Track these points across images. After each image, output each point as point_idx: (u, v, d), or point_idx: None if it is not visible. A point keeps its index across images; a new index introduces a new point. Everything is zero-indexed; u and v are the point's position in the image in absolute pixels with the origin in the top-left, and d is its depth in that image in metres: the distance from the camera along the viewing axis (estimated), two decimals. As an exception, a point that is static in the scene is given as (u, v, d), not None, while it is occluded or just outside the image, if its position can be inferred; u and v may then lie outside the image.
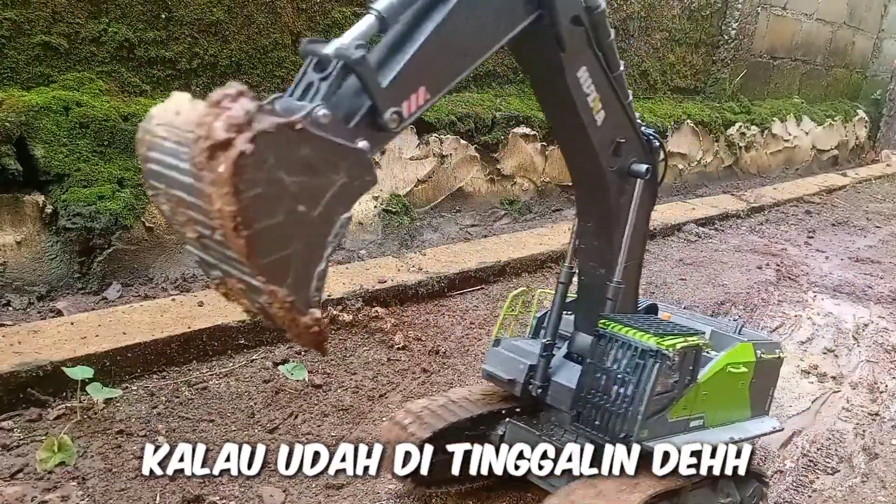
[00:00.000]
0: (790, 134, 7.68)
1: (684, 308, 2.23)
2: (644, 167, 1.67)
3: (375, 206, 3.81)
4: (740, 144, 6.83)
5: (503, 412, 1.89)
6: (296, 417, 2.24)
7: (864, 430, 2.56)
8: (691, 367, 1.65)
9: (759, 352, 1.88)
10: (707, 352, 1.78)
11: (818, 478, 2.25)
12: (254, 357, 2.57)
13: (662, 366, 1.55)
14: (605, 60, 1.55)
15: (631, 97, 1.66)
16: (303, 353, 2.65)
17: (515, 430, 1.86)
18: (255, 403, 2.30)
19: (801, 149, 7.97)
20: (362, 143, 1.10)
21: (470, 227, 4.31)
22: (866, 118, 9.30)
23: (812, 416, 2.64)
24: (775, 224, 5.49)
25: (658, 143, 1.74)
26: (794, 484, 2.21)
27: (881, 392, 2.86)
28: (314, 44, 1.11)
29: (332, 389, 2.43)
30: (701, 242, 4.70)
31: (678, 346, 1.57)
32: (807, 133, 8.00)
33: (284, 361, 2.54)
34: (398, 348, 2.74)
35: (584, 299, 1.83)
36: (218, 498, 1.85)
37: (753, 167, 7.18)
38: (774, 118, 7.33)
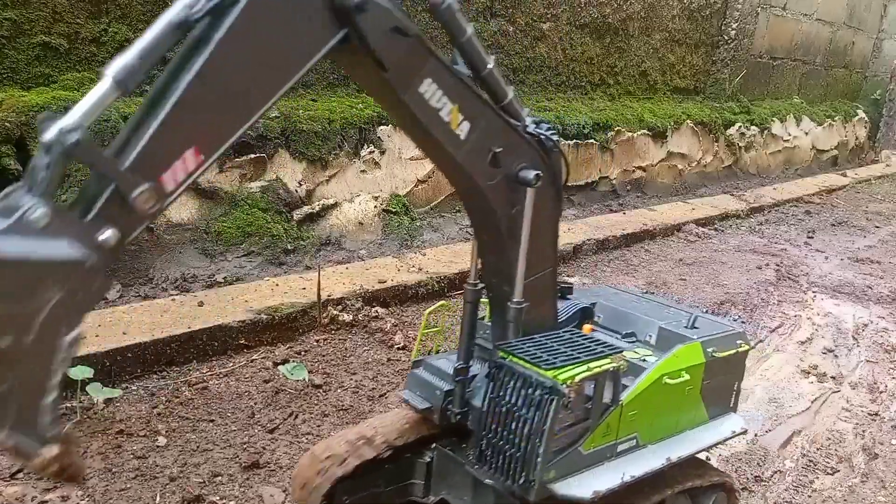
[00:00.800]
0: (790, 134, 7.68)
1: (645, 293, 2.05)
2: (533, 174, 1.44)
3: (375, 207, 3.81)
4: (740, 145, 6.83)
5: (433, 437, 1.69)
6: (296, 417, 2.24)
7: (863, 430, 2.56)
8: (610, 391, 1.47)
9: (709, 350, 1.70)
10: (643, 359, 1.65)
11: (818, 478, 2.26)
12: (254, 357, 2.57)
13: (559, 403, 1.37)
14: (468, 61, 1.37)
15: (511, 94, 1.45)
16: (303, 353, 2.65)
17: (443, 458, 1.68)
18: (255, 403, 2.30)
19: (800, 149, 7.97)
20: (107, 234, 0.97)
21: (470, 227, 4.31)
22: (866, 118, 9.30)
23: (812, 416, 2.64)
24: (775, 224, 5.49)
25: (553, 142, 1.51)
26: (794, 484, 2.21)
27: (881, 392, 2.86)
28: (49, 120, 0.94)
29: (331, 389, 2.43)
30: (701, 242, 4.70)
31: (578, 379, 1.38)
32: (806, 133, 8.00)
33: (284, 361, 2.54)
34: (398, 348, 2.75)
35: (495, 317, 1.64)
36: (218, 498, 1.85)
37: (753, 167, 7.19)
38: (774, 118, 7.34)
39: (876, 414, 2.69)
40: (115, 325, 2.44)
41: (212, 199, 3.19)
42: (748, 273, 4.12)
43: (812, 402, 2.73)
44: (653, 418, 1.62)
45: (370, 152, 3.76)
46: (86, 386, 2.12)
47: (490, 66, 1.40)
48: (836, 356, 3.17)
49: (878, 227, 5.77)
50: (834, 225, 5.66)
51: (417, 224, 4.02)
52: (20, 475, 1.85)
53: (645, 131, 5.59)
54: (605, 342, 1.54)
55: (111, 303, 2.75)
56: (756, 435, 2.46)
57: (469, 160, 1.39)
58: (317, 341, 2.73)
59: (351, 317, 2.87)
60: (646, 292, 2.02)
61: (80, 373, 2.11)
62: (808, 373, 2.97)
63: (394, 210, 3.88)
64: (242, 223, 3.24)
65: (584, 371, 1.41)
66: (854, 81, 9.28)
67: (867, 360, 3.15)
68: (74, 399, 2.13)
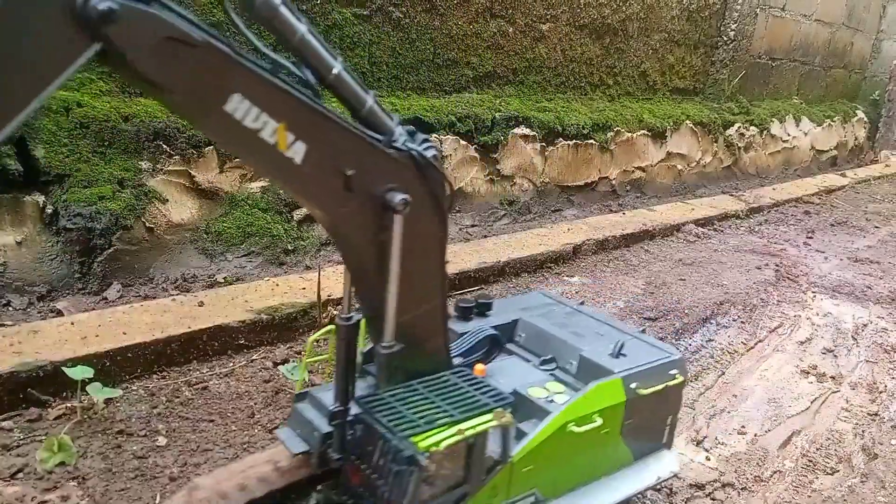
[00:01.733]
0: (789, 134, 7.69)
1: (581, 305, 1.84)
2: (399, 198, 1.19)
3: (375, 207, 3.81)
4: (739, 145, 6.84)
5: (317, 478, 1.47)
6: (296, 417, 2.25)
7: (863, 431, 2.56)
8: (497, 447, 1.28)
9: (632, 386, 1.49)
10: (551, 398, 1.44)
11: (818, 478, 2.26)
12: (254, 357, 2.57)
13: (419, 476, 1.17)
14: (306, 63, 1.13)
15: (371, 102, 1.22)
16: (303, 353, 2.65)
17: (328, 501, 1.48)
18: (256, 403, 2.30)
19: (800, 149, 7.98)
20: None
21: (469, 228, 4.31)
22: (865, 119, 9.31)
23: (811, 416, 2.64)
24: (774, 224, 5.49)
25: (428, 159, 1.24)
26: (794, 484, 2.21)
27: (880, 392, 2.87)
28: None
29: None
30: (700, 243, 4.71)
31: (443, 446, 1.17)
32: (806, 134, 8.01)
33: (284, 361, 2.54)
34: (398, 348, 2.74)
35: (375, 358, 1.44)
36: (218, 498, 1.85)
37: (752, 168, 7.19)
38: (773, 119, 7.35)
39: (875, 414, 2.69)
40: (115, 325, 2.44)
41: (212, 199, 3.20)
42: (747, 273, 4.13)
43: (812, 403, 2.73)
44: (557, 470, 1.42)
45: (370, 152, 3.75)
46: (86, 386, 2.12)
47: (336, 70, 1.17)
48: (835, 356, 3.18)
49: (877, 227, 5.77)
50: (833, 225, 5.67)
51: (417, 224, 4.02)
52: (20, 475, 1.85)
53: (644, 132, 5.59)
54: (493, 390, 1.32)
55: (111, 303, 2.75)
56: (756, 435, 2.46)
57: (312, 187, 1.15)
58: (316, 342, 2.73)
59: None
60: (581, 303, 1.82)
61: (80, 373, 2.11)
62: (808, 373, 2.98)
63: (393, 210, 3.88)
64: (242, 223, 3.24)
65: (451, 435, 1.19)
66: (853, 82, 9.29)
67: (867, 361, 3.16)
68: (74, 399, 2.13)
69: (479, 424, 1.23)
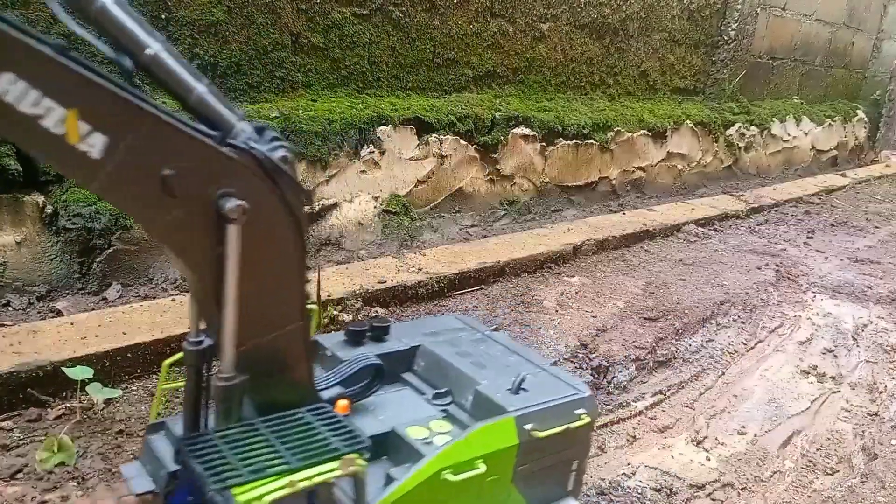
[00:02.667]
0: (789, 134, 7.68)
1: (495, 331, 1.68)
2: (233, 204, 1.01)
3: (375, 207, 3.81)
4: (740, 145, 6.83)
5: None
6: (296, 417, 2.24)
7: (863, 431, 2.56)
8: (353, 499, 1.10)
9: (526, 427, 1.30)
10: (430, 440, 1.28)
11: (817, 478, 2.26)
12: (254, 357, 2.57)
13: None
14: (113, 41, 0.99)
15: (203, 88, 1.04)
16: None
17: None
18: (255, 403, 2.29)
19: (800, 149, 7.97)
20: None
21: (469, 228, 4.31)
22: (866, 119, 9.31)
23: (811, 416, 2.64)
24: (775, 224, 5.49)
25: (274, 161, 1.06)
26: (794, 484, 2.21)
27: (880, 392, 2.87)
28: None
29: (331, 389, 2.43)
30: (700, 243, 4.70)
31: (268, 500, 0.99)
32: (806, 133, 8.01)
33: (284, 361, 2.54)
34: (398, 348, 2.75)
35: None
36: (218, 498, 1.85)
37: (753, 168, 7.19)
38: (774, 119, 7.34)
39: (875, 414, 2.69)
40: (114, 325, 2.44)
41: (212, 199, 3.19)
42: (748, 273, 4.12)
43: (812, 403, 2.73)
44: None
45: (370, 152, 3.76)
46: (86, 386, 2.12)
47: (152, 50, 1.01)
48: (835, 356, 3.17)
49: (877, 227, 5.77)
50: (833, 225, 5.66)
51: (417, 224, 4.02)
52: (20, 475, 1.85)
53: (644, 132, 5.59)
54: (350, 432, 1.12)
55: (111, 303, 2.75)
56: (756, 435, 2.46)
57: (120, 188, 0.98)
58: (316, 342, 2.73)
59: (351, 317, 2.88)
60: (495, 329, 1.66)
61: (80, 373, 2.11)
62: (808, 373, 2.97)
63: (393, 210, 3.88)
64: (242, 223, 3.24)
65: (280, 488, 1.01)
66: (854, 82, 9.28)
67: (867, 361, 3.15)
68: (74, 399, 2.13)
69: (319, 474, 1.03)
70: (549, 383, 1.43)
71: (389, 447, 1.30)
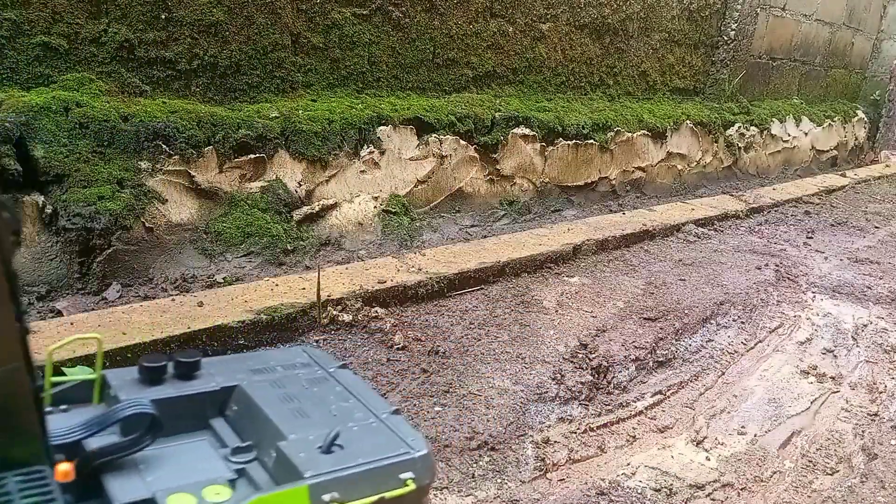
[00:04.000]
0: (789, 134, 7.69)
1: (342, 368, 1.43)
2: None
3: (375, 207, 3.81)
4: (739, 145, 6.84)
5: None
6: (295, 418, 2.24)
7: (863, 431, 2.56)
8: None
9: (325, 498, 1.05)
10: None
11: (817, 478, 2.26)
12: (253, 357, 2.57)
13: None
14: None
15: None
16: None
17: None
18: (255, 404, 2.29)
19: (800, 149, 7.98)
20: None
21: (469, 228, 4.31)
22: (865, 119, 9.31)
23: (811, 416, 2.64)
24: (774, 224, 5.49)
25: None
26: (794, 484, 2.21)
27: (880, 392, 2.87)
28: None
29: (331, 390, 2.43)
30: (700, 243, 4.70)
31: None
32: (806, 134, 8.01)
33: (284, 362, 2.54)
34: (397, 348, 2.75)
35: None
36: (218, 498, 1.85)
37: (753, 168, 7.19)
38: (773, 119, 7.34)
39: (875, 414, 2.69)
40: (114, 325, 2.44)
41: (211, 199, 3.20)
42: (747, 273, 4.12)
43: (811, 403, 2.73)
44: None
45: (370, 153, 3.76)
46: (85, 386, 2.12)
47: None
48: (835, 356, 3.18)
49: (877, 227, 5.77)
50: (833, 225, 5.66)
51: (417, 224, 4.02)
52: (20, 475, 1.84)
53: (644, 132, 5.59)
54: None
55: (111, 303, 2.75)
56: (756, 435, 2.46)
57: None
58: (316, 341, 2.73)
59: (351, 317, 2.88)
60: (343, 365, 1.41)
61: (80, 373, 2.10)
62: (808, 373, 2.97)
63: (393, 210, 3.88)
64: (242, 223, 3.24)
65: None
66: (853, 82, 9.29)
67: (867, 361, 3.15)
68: (74, 399, 2.13)
69: None
70: (377, 439, 1.16)
71: None
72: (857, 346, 3.31)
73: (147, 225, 2.96)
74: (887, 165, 8.96)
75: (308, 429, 1.15)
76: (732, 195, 6.09)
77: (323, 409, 1.22)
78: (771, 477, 2.23)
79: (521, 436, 2.28)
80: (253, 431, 1.18)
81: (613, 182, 5.44)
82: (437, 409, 2.36)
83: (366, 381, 1.35)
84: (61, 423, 1.04)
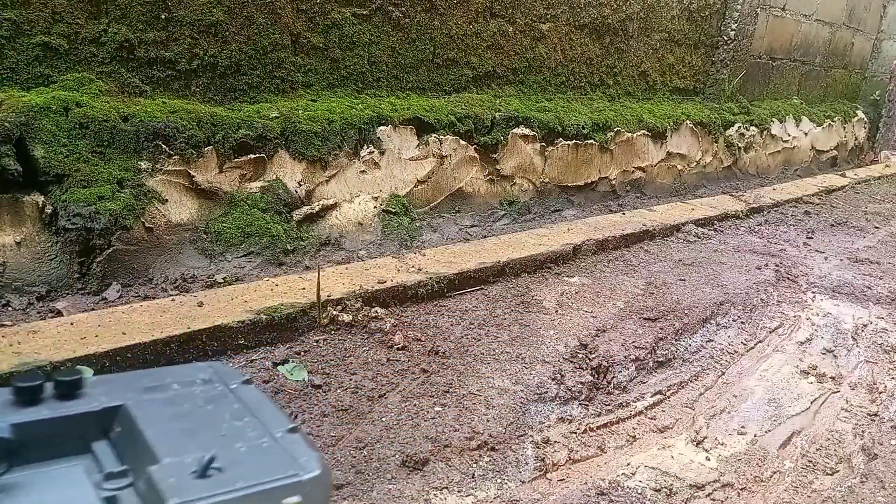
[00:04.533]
0: (789, 135, 7.69)
1: (246, 384, 1.34)
2: None
3: (375, 207, 3.81)
4: (739, 145, 6.84)
5: None
6: (295, 417, 2.24)
7: (863, 431, 2.56)
8: None
9: None
10: None
11: (817, 478, 2.26)
12: (253, 357, 2.57)
13: None
14: None
15: None
16: (302, 353, 2.65)
17: None
18: (255, 404, 2.29)
19: (800, 149, 7.98)
20: None
21: (469, 228, 4.31)
22: (865, 119, 9.31)
23: (811, 416, 2.64)
24: (774, 225, 5.49)
25: None
26: (794, 484, 2.21)
27: (880, 392, 2.87)
28: None
29: (331, 390, 2.43)
30: (700, 243, 4.70)
31: None
32: (806, 134, 8.01)
33: (284, 362, 2.54)
34: (398, 348, 2.75)
35: None
36: (217, 498, 1.85)
37: (753, 168, 7.19)
38: (773, 119, 7.34)
39: (875, 414, 2.69)
40: (114, 325, 2.44)
41: (211, 199, 3.20)
42: (747, 273, 4.12)
43: (811, 403, 2.73)
44: None
45: (370, 153, 3.76)
46: (85, 386, 2.12)
47: None
48: (835, 356, 3.18)
49: (877, 227, 5.77)
50: (833, 225, 5.66)
51: (417, 224, 4.02)
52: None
53: (644, 132, 5.59)
54: None
55: (111, 303, 2.75)
56: (756, 435, 2.46)
57: None
58: (316, 341, 2.73)
59: (351, 317, 2.88)
60: (246, 381, 1.34)
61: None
62: (808, 373, 2.97)
63: (393, 210, 3.88)
64: (242, 223, 3.24)
65: None
66: (853, 82, 9.29)
67: (867, 361, 3.15)
68: (74, 399, 2.13)
69: None
70: (265, 460, 1.07)
71: None
72: (857, 346, 3.31)
73: (147, 225, 2.96)
74: (887, 165, 8.96)
75: (189, 451, 1.06)
76: (732, 195, 6.09)
77: (213, 429, 1.14)
78: (771, 477, 2.23)
79: (521, 436, 2.28)
80: (133, 455, 1.10)
81: (613, 182, 5.44)
82: (437, 409, 2.36)
83: (268, 397, 1.30)
84: None
